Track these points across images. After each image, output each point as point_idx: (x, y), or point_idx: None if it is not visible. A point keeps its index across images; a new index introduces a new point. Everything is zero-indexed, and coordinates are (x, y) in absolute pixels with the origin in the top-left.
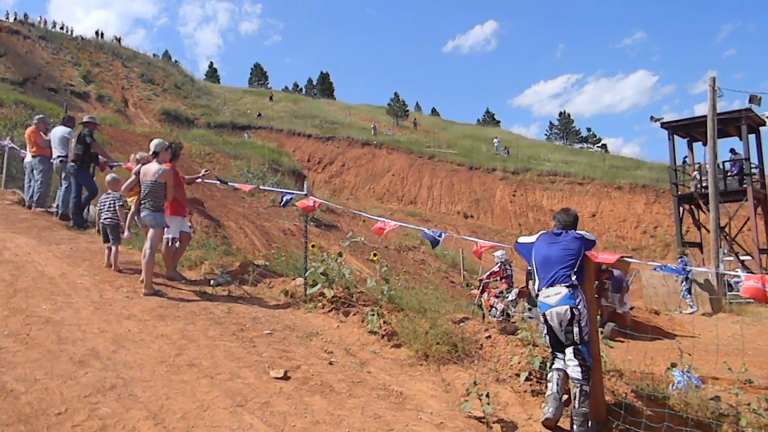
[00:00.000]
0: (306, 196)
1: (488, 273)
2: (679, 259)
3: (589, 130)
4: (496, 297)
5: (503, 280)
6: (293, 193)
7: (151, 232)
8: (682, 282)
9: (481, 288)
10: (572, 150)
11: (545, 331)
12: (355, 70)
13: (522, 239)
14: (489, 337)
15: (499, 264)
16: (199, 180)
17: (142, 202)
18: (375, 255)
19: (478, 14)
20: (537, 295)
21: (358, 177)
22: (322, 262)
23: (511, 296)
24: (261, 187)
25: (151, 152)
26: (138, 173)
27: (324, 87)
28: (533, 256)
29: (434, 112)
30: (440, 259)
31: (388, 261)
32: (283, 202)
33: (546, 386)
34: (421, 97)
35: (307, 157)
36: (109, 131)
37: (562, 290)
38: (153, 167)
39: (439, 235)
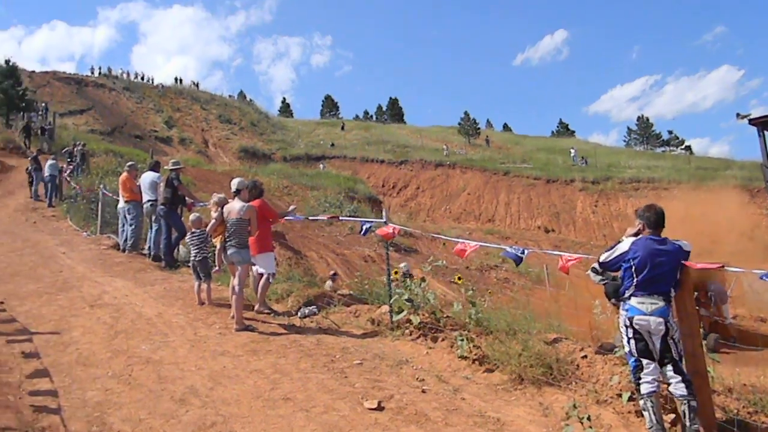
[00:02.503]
0: (385, 223)
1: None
2: None
3: (670, 132)
4: None
5: None
6: (372, 222)
7: (239, 269)
8: None
9: None
10: (654, 154)
11: (630, 336)
12: (424, 92)
13: (606, 256)
14: (585, 356)
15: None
16: (291, 217)
17: (228, 239)
18: (459, 278)
19: (547, 25)
20: (626, 297)
21: (433, 198)
22: (406, 288)
23: None
24: (340, 217)
25: (233, 190)
26: (220, 214)
27: (394, 112)
28: (632, 259)
29: (506, 127)
30: (524, 276)
31: (470, 282)
32: (363, 231)
33: (644, 417)
34: (491, 114)
35: (382, 183)
36: (192, 172)
37: (659, 302)
38: (237, 205)
39: (522, 252)
